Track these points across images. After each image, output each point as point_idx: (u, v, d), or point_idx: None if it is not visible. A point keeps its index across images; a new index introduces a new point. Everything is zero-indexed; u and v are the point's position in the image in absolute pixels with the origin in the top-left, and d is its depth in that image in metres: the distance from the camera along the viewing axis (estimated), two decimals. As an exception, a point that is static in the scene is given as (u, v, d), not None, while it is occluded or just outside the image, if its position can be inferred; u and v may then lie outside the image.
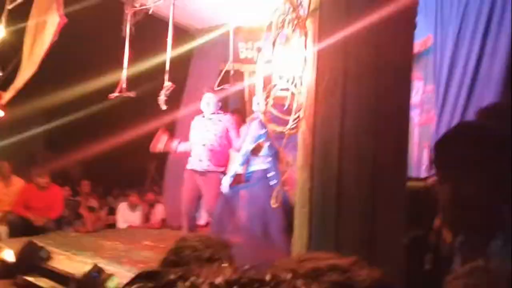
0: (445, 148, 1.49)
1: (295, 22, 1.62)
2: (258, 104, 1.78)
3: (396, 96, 1.57)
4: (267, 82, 1.84)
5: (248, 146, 3.94)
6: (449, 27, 3.99)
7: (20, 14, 4.55)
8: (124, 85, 4.64)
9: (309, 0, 1.58)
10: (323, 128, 1.56)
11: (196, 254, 1.50)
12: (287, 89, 1.65)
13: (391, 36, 1.55)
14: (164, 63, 4.55)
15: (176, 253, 1.54)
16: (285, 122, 1.73)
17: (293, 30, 1.63)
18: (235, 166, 4.07)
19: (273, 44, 1.64)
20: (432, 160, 1.65)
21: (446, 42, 3.99)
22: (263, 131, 3.80)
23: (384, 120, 1.50)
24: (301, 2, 1.62)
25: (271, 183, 3.73)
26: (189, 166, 4.46)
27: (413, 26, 1.61)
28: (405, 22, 1.60)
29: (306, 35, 1.60)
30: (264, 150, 3.91)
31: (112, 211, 6.51)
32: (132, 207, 6.10)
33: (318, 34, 1.57)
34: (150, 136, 7.60)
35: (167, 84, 4.23)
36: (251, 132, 4.00)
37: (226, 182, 4.04)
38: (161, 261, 1.42)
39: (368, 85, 1.53)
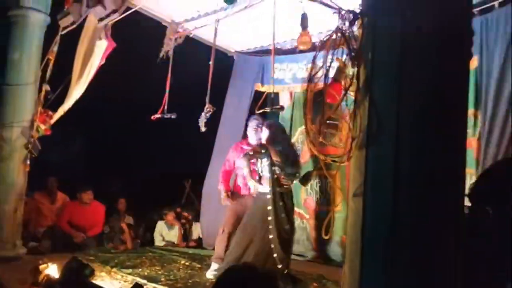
0: (487, 183, 1.46)
1: (347, 53, 1.64)
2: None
3: (451, 127, 1.53)
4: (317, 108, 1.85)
5: None
6: (495, 49, 3.91)
7: (71, 39, 4.79)
8: (165, 107, 4.76)
9: (361, 34, 1.59)
10: (376, 158, 1.54)
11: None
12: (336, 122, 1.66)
13: (448, 60, 1.53)
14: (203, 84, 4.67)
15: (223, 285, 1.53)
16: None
17: (345, 61, 1.64)
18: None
19: (326, 75, 1.65)
20: (470, 192, 1.60)
21: (492, 65, 3.90)
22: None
23: (440, 153, 1.47)
24: (353, 35, 1.63)
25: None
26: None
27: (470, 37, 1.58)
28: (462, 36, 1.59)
29: (358, 66, 1.61)
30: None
31: (148, 229, 6.62)
32: (170, 225, 6.18)
33: (371, 65, 1.58)
34: (186, 155, 7.79)
35: (208, 106, 4.31)
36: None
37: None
38: None
39: (422, 116, 1.50)
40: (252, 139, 4.56)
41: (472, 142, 4.03)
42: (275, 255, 3.98)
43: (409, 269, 1.44)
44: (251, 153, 4.21)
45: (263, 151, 4.14)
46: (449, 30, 1.47)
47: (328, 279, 4.41)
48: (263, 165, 4.16)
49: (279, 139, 4.18)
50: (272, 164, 4.08)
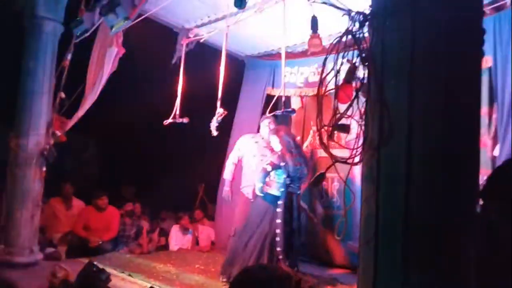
0: (500, 181, 1.44)
1: (358, 55, 1.64)
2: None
3: (464, 127, 1.52)
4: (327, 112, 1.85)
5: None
6: (509, 47, 3.86)
7: (84, 47, 4.87)
8: (177, 112, 4.79)
9: (371, 35, 1.59)
10: (388, 160, 1.54)
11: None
12: (348, 125, 1.66)
13: (459, 62, 1.52)
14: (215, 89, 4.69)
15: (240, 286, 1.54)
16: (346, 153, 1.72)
17: (356, 64, 1.64)
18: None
19: (336, 76, 1.65)
20: (482, 190, 1.57)
21: (507, 63, 3.85)
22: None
23: (453, 157, 1.46)
24: (363, 37, 1.63)
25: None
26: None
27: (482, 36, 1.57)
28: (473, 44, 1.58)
29: (369, 67, 1.60)
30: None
31: (162, 233, 6.66)
32: (184, 230, 6.22)
33: (382, 66, 1.57)
34: (199, 160, 7.83)
35: (219, 110, 4.33)
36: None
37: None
38: None
39: (434, 116, 1.49)
40: (266, 135, 4.67)
41: (486, 141, 3.99)
42: (278, 248, 4.04)
43: (425, 269, 1.43)
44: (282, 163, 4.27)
45: (282, 164, 4.21)
46: (459, 29, 1.46)
47: (341, 282, 4.39)
48: (277, 174, 4.24)
49: (291, 143, 4.25)
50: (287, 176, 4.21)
